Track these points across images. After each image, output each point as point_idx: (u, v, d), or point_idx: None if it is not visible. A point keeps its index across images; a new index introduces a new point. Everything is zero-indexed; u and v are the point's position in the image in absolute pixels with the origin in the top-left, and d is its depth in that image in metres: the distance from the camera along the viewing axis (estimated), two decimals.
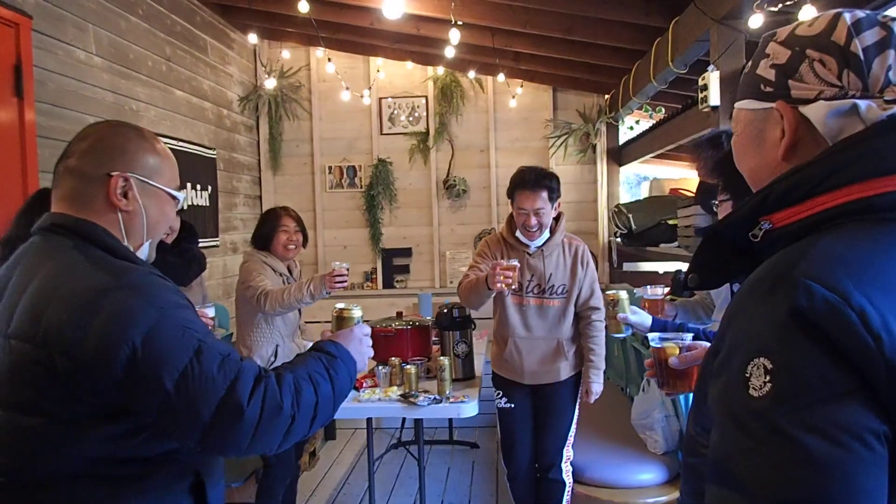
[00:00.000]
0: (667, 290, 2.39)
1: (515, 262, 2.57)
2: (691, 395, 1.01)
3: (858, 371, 0.61)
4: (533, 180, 2.74)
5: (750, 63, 0.87)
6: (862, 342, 0.61)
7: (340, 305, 1.48)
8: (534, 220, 2.74)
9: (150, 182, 1.21)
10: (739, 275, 0.83)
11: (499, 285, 2.51)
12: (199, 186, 4.44)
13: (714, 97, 2.70)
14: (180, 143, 4.21)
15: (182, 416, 1.03)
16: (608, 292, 1.89)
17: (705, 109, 2.79)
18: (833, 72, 0.76)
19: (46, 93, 2.96)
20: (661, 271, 5.44)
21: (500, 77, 5.08)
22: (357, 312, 1.46)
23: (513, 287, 2.60)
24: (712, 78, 2.69)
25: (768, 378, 0.63)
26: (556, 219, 2.90)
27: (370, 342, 1.42)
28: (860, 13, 0.77)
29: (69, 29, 3.15)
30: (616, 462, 3.09)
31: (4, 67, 2.70)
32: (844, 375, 0.61)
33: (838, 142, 0.74)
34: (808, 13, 2.08)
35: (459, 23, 4.02)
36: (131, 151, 1.19)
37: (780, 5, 2.24)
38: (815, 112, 0.77)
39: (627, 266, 5.55)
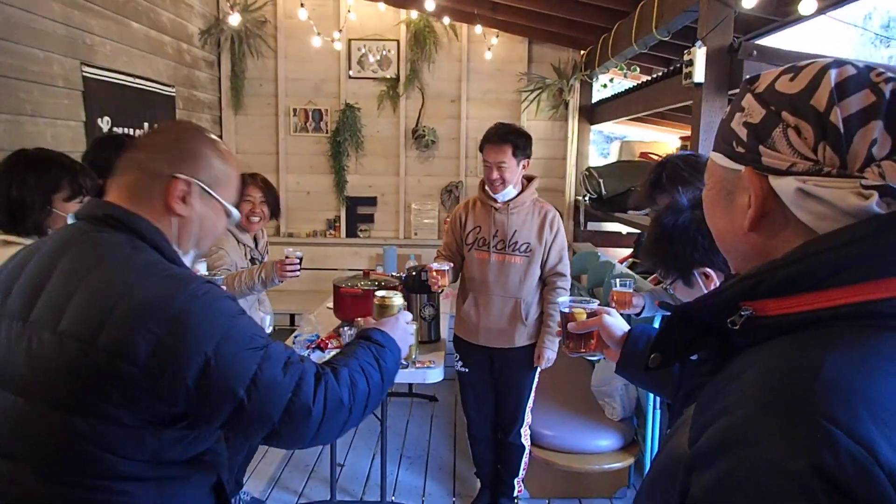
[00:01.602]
0: (630, 254, 2.40)
1: (446, 267, 2.75)
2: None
3: None
4: (498, 134, 2.78)
5: (729, 108, 0.78)
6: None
7: (381, 294, 1.52)
8: (495, 174, 2.76)
9: (212, 192, 1.18)
10: (701, 351, 0.78)
11: (434, 287, 2.76)
12: (156, 126, 4.23)
13: (699, 74, 2.66)
14: (137, 81, 3.98)
15: (254, 419, 1.06)
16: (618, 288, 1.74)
17: (689, 85, 2.75)
18: (808, 143, 0.66)
19: None
20: (624, 232, 5.50)
21: (478, 29, 4.92)
22: (398, 300, 1.50)
23: (445, 287, 2.81)
24: (699, 54, 2.64)
25: None
26: (529, 180, 2.91)
27: (412, 329, 1.47)
28: (851, 69, 0.66)
29: None
30: (574, 428, 3.17)
31: None
32: None
33: (850, 230, 0.64)
34: (807, 5, 2.03)
35: None
36: (203, 158, 1.17)
37: None
38: (786, 187, 0.68)
39: (591, 225, 5.58)
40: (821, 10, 2.53)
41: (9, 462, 1.04)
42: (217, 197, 1.19)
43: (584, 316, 1.31)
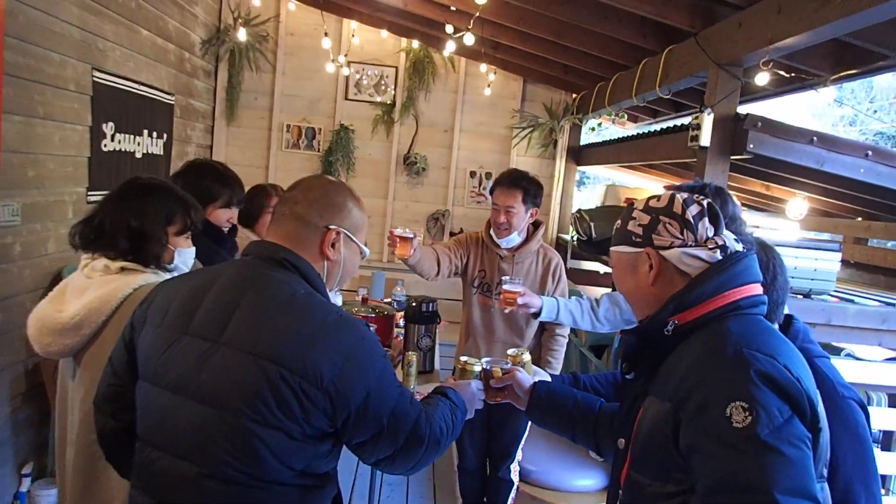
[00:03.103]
0: (522, 289, 2.53)
1: (410, 235, 2.64)
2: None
3: (792, 401, 1.02)
4: (510, 178, 2.80)
5: (621, 221, 1.31)
6: (793, 383, 1.03)
7: (465, 359, 1.75)
8: (502, 218, 2.76)
9: (353, 238, 1.42)
10: (645, 367, 1.26)
11: (393, 250, 2.66)
12: (154, 134, 4.20)
13: (705, 138, 2.81)
14: (141, 88, 3.96)
15: (387, 441, 1.30)
16: (510, 352, 1.88)
17: (694, 147, 2.91)
18: (677, 230, 1.22)
19: (16, 26, 2.71)
20: (601, 271, 5.67)
21: (483, 67, 5.05)
22: (477, 368, 1.73)
23: (406, 257, 2.67)
24: (706, 120, 2.80)
25: (747, 414, 0.99)
26: (535, 226, 2.93)
27: (482, 395, 1.72)
28: (685, 193, 1.27)
29: None
30: (561, 466, 3.25)
31: None
32: (786, 405, 1.01)
33: (710, 268, 1.19)
34: (827, 93, 2.22)
35: (453, 8, 3.96)
36: (347, 210, 1.41)
37: (792, 74, 2.35)
38: (673, 255, 1.22)
39: (570, 263, 5.73)
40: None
41: (181, 461, 1.21)
42: (357, 241, 1.43)
43: (500, 372, 1.68)
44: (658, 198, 1.28)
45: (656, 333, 1.21)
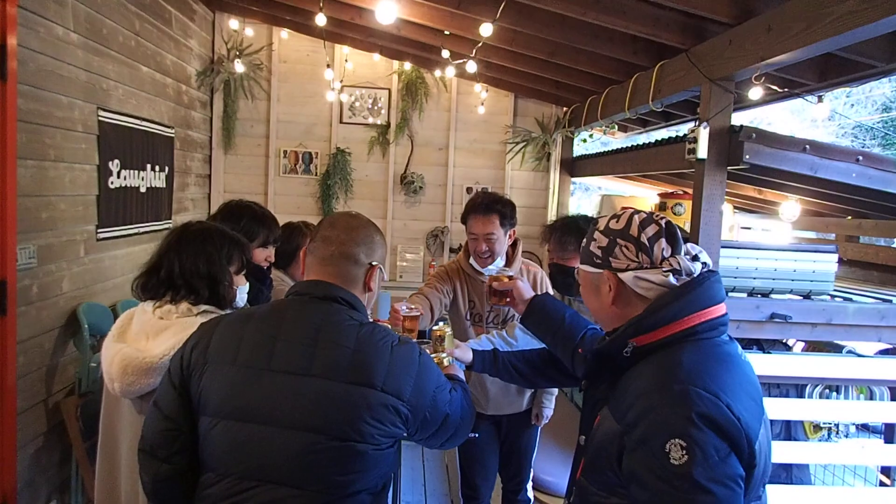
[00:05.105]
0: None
1: (417, 312, 2.30)
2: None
3: (731, 440, 1.07)
4: (484, 205, 2.66)
5: (585, 240, 1.38)
6: (733, 422, 1.08)
7: (436, 326, 1.97)
8: (484, 247, 2.65)
9: (383, 271, 1.60)
10: (607, 378, 1.30)
11: (396, 329, 2.34)
12: (157, 168, 4.25)
13: (702, 151, 2.90)
14: (143, 123, 4.01)
15: (449, 426, 1.53)
16: (434, 327, 2.02)
17: (691, 159, 3.00)
18: (633, 253, 1.26)
19: (27, 74, 2.76)
20: None
21: (477, 87, 5.15)
22: (450, 330, 1.98)
23: (411, 336, 2.38)
24: (702, 134, 2.89)
25: (684, 452, 1.05)
26: (513, 246, 2.82)
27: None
28: (644, 214, 1.31)
29: (51, 4, 2.93)
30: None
31: None
32: (725, 444, 1.07)
33: (668, 293, 1.23)
34: (822, 109, 2.31)
35: (447, 32, 4.06)
36: (382, 247, 1.59)
37: (785, 89, 2.45)
38: (628, 277, 1.27)
39: None
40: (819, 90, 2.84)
41: (281, 487, 1.33)
42: (384, 273, 1.61)
43: (506, 279, 1.93)
44: (617, 219, 1.33)
45: (616, 354, 1.26)
